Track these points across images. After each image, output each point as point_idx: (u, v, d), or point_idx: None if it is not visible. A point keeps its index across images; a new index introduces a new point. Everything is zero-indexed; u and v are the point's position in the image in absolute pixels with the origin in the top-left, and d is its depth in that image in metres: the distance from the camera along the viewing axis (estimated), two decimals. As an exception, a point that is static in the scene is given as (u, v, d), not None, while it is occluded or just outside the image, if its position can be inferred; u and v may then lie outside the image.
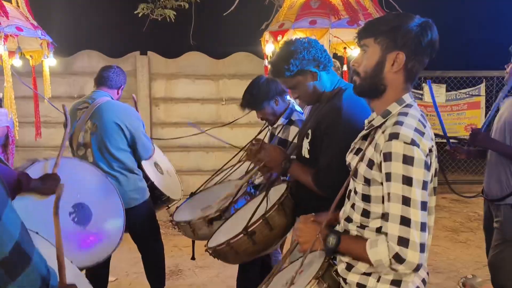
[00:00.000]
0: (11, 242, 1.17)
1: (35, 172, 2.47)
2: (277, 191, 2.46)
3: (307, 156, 2.30)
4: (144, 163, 3.49)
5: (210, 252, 2.46)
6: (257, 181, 3.11)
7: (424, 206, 1.49)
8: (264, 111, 2.97)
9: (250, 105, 2.98)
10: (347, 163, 1.77)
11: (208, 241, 2.58)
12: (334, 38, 4.01)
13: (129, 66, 6.61)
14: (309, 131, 2.28)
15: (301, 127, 2.62)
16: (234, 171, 3.33)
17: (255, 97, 2.94)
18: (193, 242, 3.05)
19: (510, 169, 2.99)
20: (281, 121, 2.94)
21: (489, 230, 3.24)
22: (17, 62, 4.23)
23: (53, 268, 1.34)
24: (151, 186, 3.50)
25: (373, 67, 1.61)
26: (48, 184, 2.41)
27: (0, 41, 3.59)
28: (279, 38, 4.11)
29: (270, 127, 3.12)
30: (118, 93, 3.50)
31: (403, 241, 1.47)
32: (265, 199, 2.40)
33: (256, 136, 3.15)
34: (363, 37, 1.64)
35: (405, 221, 1.47)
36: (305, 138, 2.31)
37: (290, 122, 2.94)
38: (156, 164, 3.76)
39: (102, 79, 3.45)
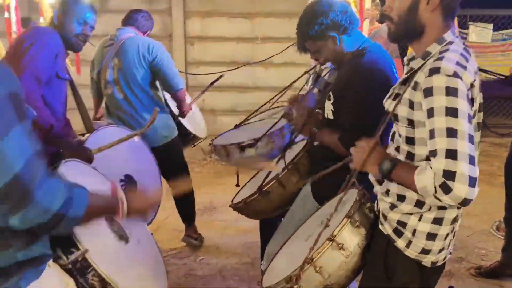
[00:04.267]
0: (10, 173, 1.15)
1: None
2: (298, 147, 2.53)
3: (331, 117, 2.30)
4: (170, 103, 3.54)
5: (233, 208, 2.67)
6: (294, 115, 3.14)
7: (471, 139, 1.41)
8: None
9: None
10: (385, 109, 1.72)
11: (233, 199, 2.80)
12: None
13: (164, 4, 6.53)
14: (330, 93, 2.27)
15: (323, 89, 2.62)
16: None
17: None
18: (237, 172, 3.15)
19: None
20: (329, 63, 2.88)
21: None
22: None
23: (83, 192, 1.31)
24: (179, 124, 3.56)
25: (406, 10, 1.53)
26: (80, 152, 2.38)
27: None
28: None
29: (317, 67, 3.05)
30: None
31: (450, 174, 1.39)
32: (282, 158, 2.50)
33: (299, 78, 3.15)
34: None
35: (451, 154, 1.39)
36: (327, 100, 2.30)
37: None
38: None
39: (129, 19, 3.46)
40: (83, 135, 2.80)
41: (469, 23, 6.80)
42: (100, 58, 3.44)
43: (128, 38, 3.31)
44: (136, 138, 2.72)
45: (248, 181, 2.99)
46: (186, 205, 3.81)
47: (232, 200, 2.79)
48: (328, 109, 2.31)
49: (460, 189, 1.38)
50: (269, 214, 2.68)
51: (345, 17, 2.20)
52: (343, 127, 2.19)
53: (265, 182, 2.45)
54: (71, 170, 1.80)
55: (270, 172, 2.53)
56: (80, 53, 4.68)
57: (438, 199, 1.43)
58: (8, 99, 1.16)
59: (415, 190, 1.50)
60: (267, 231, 2.92)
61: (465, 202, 1.40)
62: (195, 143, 3.97)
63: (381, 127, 1.70)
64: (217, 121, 6.55)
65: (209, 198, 4.90)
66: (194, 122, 3.85)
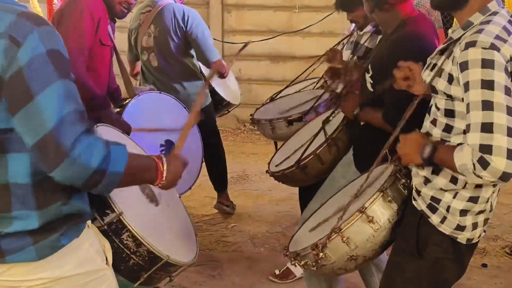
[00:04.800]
0: (44, 128, 1.18)
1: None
2: (337, 120, 2.48)
3: (371, 89, 2.24)
4: (204, 69, 3.54)
5: (270, 175, 2.67)
6: (338, 90, 3.08)
7: (510, 111, 1.35)
8: (360, 11, 2.72)
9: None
10: (423, 80, 1.67)
11: (269, 163, 2.79)
12: None
13: (202, -29, 6.47)
14: (369, 66, 2.21)
15: (362, 56, 2.59)
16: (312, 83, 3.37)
17: None
18: (276, 142, 3.19)
19: None
20: (368, 28, 2.78)
21: None
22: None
23: (122, 149, 1.33)
24: (212, 91, 3.57)
25: None
26: (121, 125, 2.45)
27: None
28: None
29: (356, 33, 2.97)
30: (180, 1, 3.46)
31: (486, 148, 1.35)
32: (321, 131, 2.46)
33: (334, 46, 3.09)
34: None
35: (487, 127, 1.35)
36: (366, 73, 2.24)
37: (377, 31, 2.75)
38: None
39: None
40: (125, 99, 2.85)
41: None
42: (137, 24, 3.45)
43: (165, 6, 3.31)
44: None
45: (282, 145, 2.94)
46: (218, 172, 3.85)
47: (269, 166, 2.76)
48: (368, 82, 2.26)
49: (498, 162, 1.34)
50: (307, 183, 2.67)
51: None
52: (386, 103, 2.12)
53: (304, 156, 2.43)
54: (104, 134, 1.85)
55: (310, 143, 2.49)
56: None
57: (478, 176, 1.39)
58: (47, 56, 1.19)
59: (456, 170, 1.47)
60: (306, 197, 2.93)
61: (505, 177, 1.36)
62: (229, 109, 3.99)
63: (410, 109, 1.67)
64: (253, 89, 6.53)
65: (242, 167, 4.94)
66: (228, 89, 3.86)
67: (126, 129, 2.45)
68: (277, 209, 4.02)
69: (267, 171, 2.71)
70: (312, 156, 2.42)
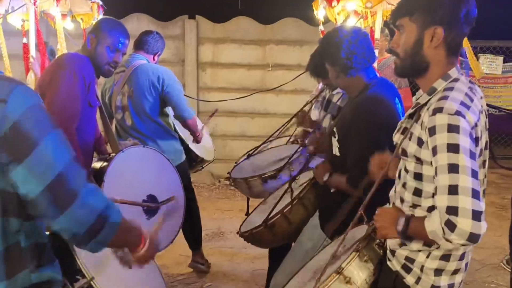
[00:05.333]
0: (53, 170, 1.19)
1: None
2: (305, 178, 2.55)
3: (337, 154, 2.31)
4: (178, 127, 3.57)
5: (240, 236, 2.70)
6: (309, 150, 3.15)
7: (474, 174, 1.40)
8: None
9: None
10: (394, 143, 1.73)
11: (241, 225, 2.82)
12: (389, 5, 3.86)
13: (177, 29, 6.64)
14: (335, 130, 2.29)
15: (328, 126, 2.65)
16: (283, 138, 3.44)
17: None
18: (248, 199, 3.20)
19: None
20: (339, 89, 2.89)
21: None
22: (69, 25, 4.34)
23: (117, 209, 1.33)
24: (187, 149, 3.59)
25: (412, 46, 1.57)
26: None
27: (53, 2, 3.68)
28: (333, 3, 3.98)
29: (327, 93, 3.06)
30: (154, 59, 3.52)
31: (452, 210, 1.38)
32: (288, 191, 2.50)
33: (303, 107, 3.18)
34: (397, 17, 1.60)
35: (453, 190, 1.39)
36: (333, 137, 2.32)
37: None
38: None
39: (140, 43, 3.50)
40: (109, 154, 2.86)
41: (480, 54, 6.83)
42: (111, 84, 3.49)
43: (139, 66, 3.36)
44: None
45: (257, 207, 2.98)
46: (192, 230, 3.80)
47: (240, 228, 2.79)
48: (335, 146, 2.32)
49: (464, 223, 1.37)
50: (274, 244, 2.70)
51: (366, 53, 2.22)
52: (349, 166, 2.18)
53: (271, 215, 2.47)
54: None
55: (277, 203, 2.53)
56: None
57: (448, 240, 1.42)
58: (39, 106, 1.22)
59: (429, 239, 1.50)
60: (275, 259, 2.91)
61: (473, 238, 1.38)
62: (204, 166, 4.01)
63: (388, 163, 1.72)
64: (227, 145, 6.58)
65: (217, 224, 4.89)
66: (201, 145, 3.89)
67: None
68: (253, 267, 3.96)
69: (237, 232, 2.74)
70: (279, 215, 2.45)
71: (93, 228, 1.25)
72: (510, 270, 3.72)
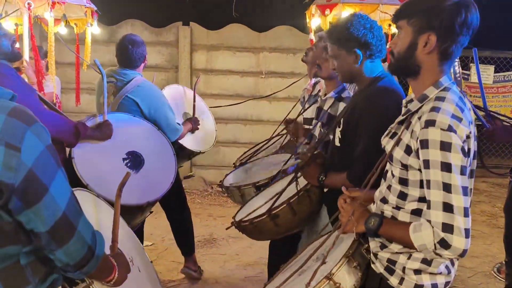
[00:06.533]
0: (58, 212, 1.26)
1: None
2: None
3: (338, 144, 2.30)
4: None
5: (236, 225, 2.56)
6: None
7: (465, 191, 1.48)
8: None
9: None
10: (382, 146, 1.76)
11: (236, 214, 2.70)
12: (383, 14, 3.90)
13: (171, 36, 6.67)
14: (341, 120, 2.28)
15: (326, 122, 2.64)
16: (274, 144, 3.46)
17: None
18: (241, 207, 3.13)
19: None
20: (331, 94, 2.91)
21: (510, 212, 3.20)
22: (63, 29, 4.35)
23: (100, 234, 1.42)
24: (180, 147, 3.48)
25: (405, 49, 1.61)
26: (104, 130, 2.74)
27: (47, 7, 3.69)
28: (326, 12, 4.01)
29: (318, 100, 3.07)
30: (142, 69, 3.40)
31: (448, 228, 1.46)
32: (294, 181, 2.43)
33: (298, 116, 3.20)
34: (398, 19, 1.63)
35: (448, 208, 1.47)
36: (337, 127, 2.31)
37: (340, 99, 2.87)
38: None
39: (126, 61, 3.29)
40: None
41: (471, 64, 6.89)
42: (100, 91, 3.42)
43: (130, 92, 3.22)
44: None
45: (251, 199, 2.88)
46: (184, 237, 3.79)
47: (234, 217, 2.67)
48: (337, 136, 2.31)
49: (458, 242, 1.45)
50: (273, 236, 2.62)
51: (378, 44, 2.22)
52: (355, 156, 2.15)
53: (276, 205, 2.40)
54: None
55: (281, 194, 2.45)
56: (85, 82, 4.78)
57: (438, 254, 1.50)
58: (46, 150, 1.26)
59: (411, 246, 1.55)
60: (276, 252, 2.91)
61: (464, 253, 1.48)
62: (191, 157, 3.98)
63: (378, 168, 1.73)
64: (220, 152, 6.59)
65: (210, 231, 4.89)
66: (197, 136, 3.78)
67: (108, 131, 2.74)
68: (245, 274, 3.95)
69: (232, 223, 2.60)
70: (285, 205, 2.38)
71: (82, 260, 1.33)
72: (501, 279, 3.75)
